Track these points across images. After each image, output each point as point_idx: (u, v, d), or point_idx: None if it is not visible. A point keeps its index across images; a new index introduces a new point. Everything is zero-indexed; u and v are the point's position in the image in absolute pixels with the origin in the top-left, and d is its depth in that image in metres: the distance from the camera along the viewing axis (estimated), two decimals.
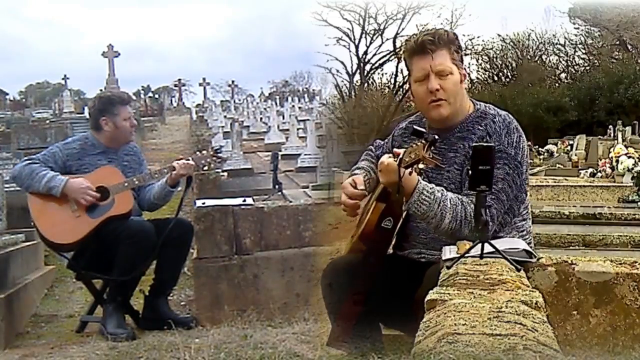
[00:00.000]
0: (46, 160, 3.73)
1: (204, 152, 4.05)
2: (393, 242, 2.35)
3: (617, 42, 26.19)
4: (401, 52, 2.79)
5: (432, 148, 1.95)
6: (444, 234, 2.12)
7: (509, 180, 2.13)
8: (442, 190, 2.11)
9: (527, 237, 2.25)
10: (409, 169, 1.97)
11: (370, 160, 2.49)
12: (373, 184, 2.37)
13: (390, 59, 21.20)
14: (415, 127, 2.03)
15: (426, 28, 2.47)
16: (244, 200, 4.83)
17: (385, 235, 2.23)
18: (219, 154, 4.13)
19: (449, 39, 2.24)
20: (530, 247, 2.17)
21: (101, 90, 27.60)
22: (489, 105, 2.33)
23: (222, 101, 34.30)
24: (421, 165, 1.95)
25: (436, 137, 1.97)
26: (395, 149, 2.14)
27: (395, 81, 20.67)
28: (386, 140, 2.53)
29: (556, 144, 17.04)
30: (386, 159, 2.09)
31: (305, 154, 13.89)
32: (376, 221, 2.19)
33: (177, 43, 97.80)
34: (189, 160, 3.89)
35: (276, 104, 29.83)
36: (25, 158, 3.88)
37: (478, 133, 2.21)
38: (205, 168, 4.09)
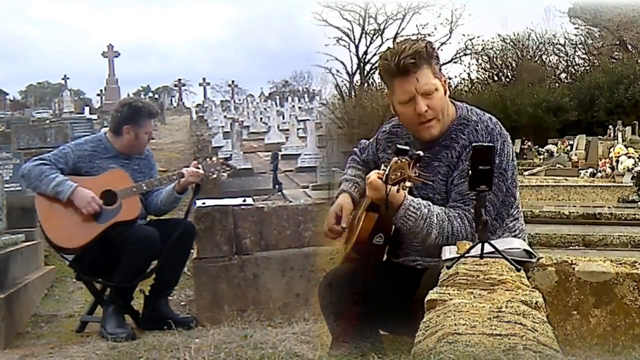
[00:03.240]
0: (57, 161, 3.71)
1: (214, 159, 4.03)
2: (387, 249, 2.35)
3: (617, 42, 26.20)
4: (378, 70, 2.71)
5: (417, 165, 1.94)
6: (431, 247, 2.12)
7: (494, 190, 2.09)
8: (429, 205, 2.10)
9: (519, 235, 2.25)
10: (396, 187, 1.96)
11: (357, 168, 2.47)
12: (361, 191, 2.36)
13: None
14: (398, 146, 2.00)
15: (403, 44, 2.37)
16: (244, 200, 4.82)
17: (377, 250, 2.25)
18: (229, 162, 4.11)
19: (428, 54, 2.15)
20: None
21: (101, 90, 27.68)
22: (472, 108, 2.27)
23: (222, 101, 34.31)
24: (408, 184, 1.94)
25: (420, 153, 1.96)
26: (382, 166, 2.11)
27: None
28: (371, 141, 2.50)
29: (556, 144, 17.05)
30: (373, 175, 2.07)
31: (305, 154, 13.89)
32: (368, 235, 2.19)
33: (181, 43, 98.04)
34: (198, 168, 3.87)
35: (276, 104, 29.85)
36: (36, 157, 3.84)
37: (461, 142, 2.18)
38: (214, 176, 4.07)
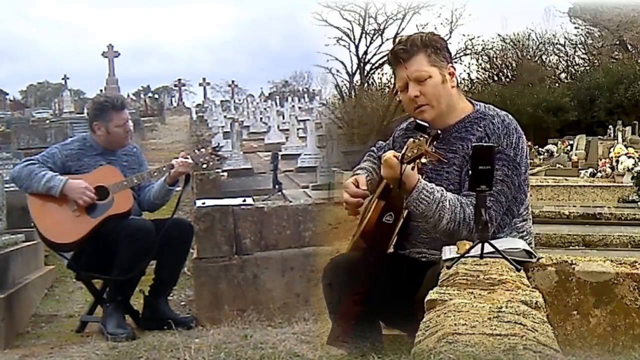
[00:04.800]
0: (45, 161, 3.73)
1: (203, 150, 4.05)
2: (394, 241, 2.35)
3: (617, 42, 26.20)
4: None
5: (435, 143, 1.96)
6: (442, 234, 2.12)
7: (508, 182, 2.13)
8: (442, 190, 2.11)
9: (527, 237, 2.25)
10: (412, 164, 1.97)
11: (373, 161, 2.49)
12: (375, 184, 2.37)
13: None
14: (418, 121, 2.04)
15: (404, 35, 2.49)
16: (244, 200, 4.82)
17: (386, 230, 2.21)
18: (218, 152, 4.13)
19: (423, 42, 2.23)
20: (531, 248, 2.17)
21: (101, 90, 27.68)
22: (489, 105, 2.31)
23: (222, 101, 34.28)
24: (424, 160, 1.95)
25: (439, 131, 1.99)
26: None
27: (395, 81, 20.66)
28: (387, 142, 2.53)
29: (556, 144, 17.05)
30: (389, 154, 2.09)
31: (305, 154, 13.88)
32: (377, 217, 2.18)
33: (183, 43, 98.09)
34: (187, 158, 3.88)
35: (276, 104, 29.83)
36: (25, 159, 3.89)
37: (477, 134, 2.20)
38: (205, 166, 4.08)
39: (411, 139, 1.98)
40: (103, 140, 3.87)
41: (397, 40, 2.35)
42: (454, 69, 2.28)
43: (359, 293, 2.18)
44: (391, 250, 2.36)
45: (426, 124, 2.01)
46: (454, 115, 2.25)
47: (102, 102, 3.93)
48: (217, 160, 4.21)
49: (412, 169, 1.99)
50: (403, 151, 1.99)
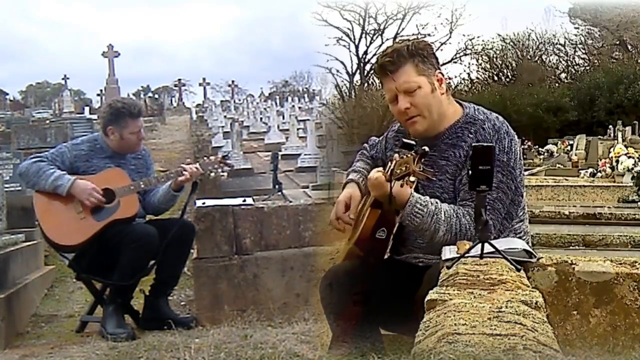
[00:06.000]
0: (54, 160, 3.72)
1: (212, 158, 4.04)
2: (390, 246, 2.34)
3: (617, 42, 26.23)
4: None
5: (423, 160, 1.94)
6: (439, 245, 2.11)
7: (503, 188, 2.11)
8: (437, 202, 2.10)
9: (524, 237, 2.24)
10: (400, 182, 1.96)
11: (365, 162, 2.47)
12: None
13: None
14: (404, 140, 2.00)
15: (391, 45, 2.44)
16: (244, 200, 4.83)
17: (380, 244, 2.22)
18: (227, 161, 4.12)
19: (410, 52, 2.17)
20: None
21: (101, 90, 27.71)
22: (479, 108, 2.28)
23: (222, 101, 34.31)
24: (412, 179, 1.94)
25: (426, 149, 1.95)
26: (389, 164, 2.12)
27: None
28: (381, 139, 2.51)
29: (556, 144, 17.07)
30: (375, 173, 2.08)
31: (305, 154, 13.89)
32: (371, 229, 2.18)
33: (184, 43, 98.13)
34: (196, 167, 3.87)
35: (276, 104, 29.84)
36: (33, 156, 3.86)
37: (468, 141, 2.17)
38: (212, 174, 4.07)
39: (396, 155, 1.96)
40: (115, 144, 3.85)
41: (381, 52, 2.27)
42: (442, 74, 2.24)
43: (357, 300, 2.18)
44: (388, 254, 2.35)
45: (413, 142, 1.97)
46: (445, 122, 2.22)
47: (119, 108, 3.86)
48: (227, 169, 4.21)
49: (401, 186, 1.98)
50: (391, 167, 1.97)
